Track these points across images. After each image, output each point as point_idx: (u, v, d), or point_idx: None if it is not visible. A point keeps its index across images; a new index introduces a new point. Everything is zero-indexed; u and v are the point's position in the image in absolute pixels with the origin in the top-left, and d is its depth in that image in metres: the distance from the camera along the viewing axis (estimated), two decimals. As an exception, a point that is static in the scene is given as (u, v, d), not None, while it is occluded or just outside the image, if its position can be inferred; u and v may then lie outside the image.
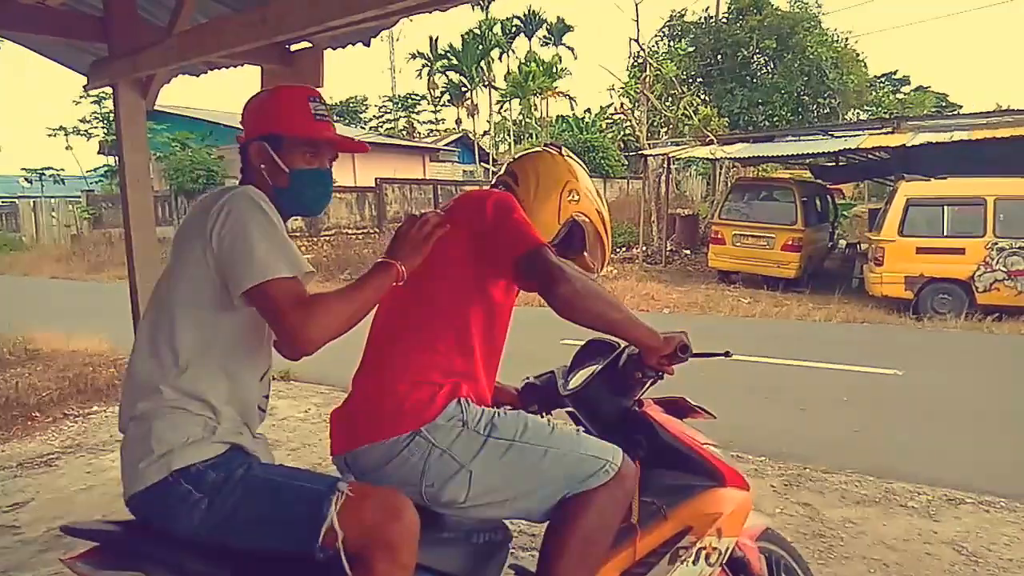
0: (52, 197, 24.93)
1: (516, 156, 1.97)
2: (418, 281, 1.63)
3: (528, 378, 2.14)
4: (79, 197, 24.28)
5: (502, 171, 1.93)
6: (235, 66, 4.39)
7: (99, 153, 24.81)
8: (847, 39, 23.57)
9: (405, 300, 1.67)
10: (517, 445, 1.60)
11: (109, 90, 4.09)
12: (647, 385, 1.90)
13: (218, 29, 3.04)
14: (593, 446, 1.70)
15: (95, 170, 26.94)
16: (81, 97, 24.09)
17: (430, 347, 1.62)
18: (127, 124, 3.87)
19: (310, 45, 4.11)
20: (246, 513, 1.44)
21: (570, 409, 1.99)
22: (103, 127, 24.37)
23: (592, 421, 1.93)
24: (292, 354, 1.45)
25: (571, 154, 1.94)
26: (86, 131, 25.51)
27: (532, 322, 4.12)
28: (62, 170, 26.06)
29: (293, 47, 4.14)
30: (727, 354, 1.88)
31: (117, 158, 4.06)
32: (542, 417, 2.03)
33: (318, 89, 1.73)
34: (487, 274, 1.67)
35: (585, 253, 1.88)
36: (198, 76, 4.91)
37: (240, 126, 1.70)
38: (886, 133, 12.86)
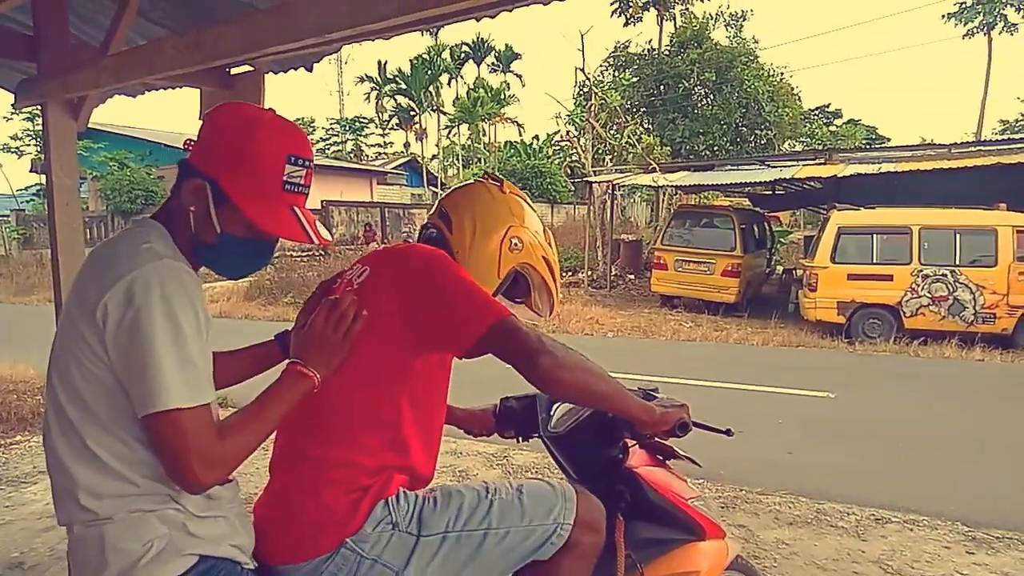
0: (-22, 216, 23.85)
1: (450, 190, 1.74)
2: (337, 373, 1.40)
3: (508, 399, 1.98)
4: (8, 216, 23.29)
5: (434, 210, 1.69)
6: (173, 88, 4.32)
7: (31, 171, 23.95)
8: (783, 74, 24.65)
9: (322, 392, 1.40)
10: (451, 536, 1.43)
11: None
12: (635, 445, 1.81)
13: (153, 51, 2.98)
14: (539, 508, 1.50)
15: (26, 188, 25.97)
16: (12, 114, 23.24)
17: (358, 449, 1.42)
18: (56, 145, 3.74)
19: (251, 69, 4.07)
20: None
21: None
22: (35, 145, 23.52)
23: (571, 463, 1.85)
24: (182, 487, 1.21)
25: (513, 187, 1.73)
26: (17, 148, 24.59)
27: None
28: (-10, 188, 25.00)
29: (233, 70, 4.10)
30: (728, 432, 1.73)
31: (45, 180, 3.92)
32: (518, 441, 1.97)
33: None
34: (424, 352, 1.44)
35: (534, 294, 1.70)
36: (134, 97, 4.81)
37: (185, 148, 1.36)
38: (819, 164, 13.39)
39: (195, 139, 1.34)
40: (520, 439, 1.95)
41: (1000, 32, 37.03)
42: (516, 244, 1.63)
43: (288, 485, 1.45)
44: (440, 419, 1.58)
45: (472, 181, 1.74)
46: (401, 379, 1.44)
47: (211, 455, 1.17)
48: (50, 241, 3.85)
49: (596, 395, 1.43)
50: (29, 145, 24.21)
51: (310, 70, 4.23)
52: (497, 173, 1.94)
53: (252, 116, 1.32)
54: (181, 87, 4.21)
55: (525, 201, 1.72)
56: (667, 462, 1.91)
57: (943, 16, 37.89)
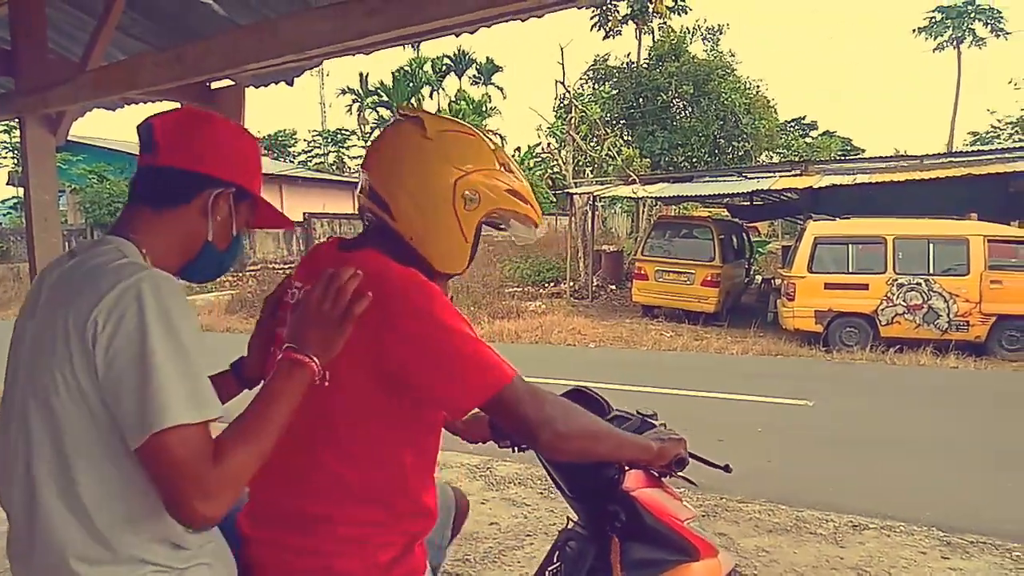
0: (-48, 230, 23.45)
1: (368, 152, 1.43)
2: (326, 430, 1.30)
3: None
4: (-18, 230, 22.96)
5: (362, 187, 1.42)
6: (153, 102, 4.32)
7: (8, 184, 23.61)
8: (759, 86, 25.01)
9: (314, 449, 1.31)
10: None
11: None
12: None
13: (133, 67, 2.99)
14: None
15: (3, 202, 25.60)
16: (-13, 126, 22.93)
17: (365, 503, 1.31)
18: (35, 160, 3.72)
19: (232, 83, 4.08)
20: None
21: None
22: (12, 158, 23.23)
23: (566, 481, 1.84)
24: (184, 524, 1.09)
25: (436, 120, 1.40)
26: (-8, 161, 24.29)
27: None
28: (-37, 202, 24.68)
29: (214, 84, 4.11)
30: (727, 468, 1.72)
31: (23, 194, 3.90)
32: (513, 451, 1.91)
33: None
34: (410, 399, 1.30)
35: (513, 226, 1.51)
36: (114, 111, 4.80)
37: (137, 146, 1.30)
38: (795, 175, 13.61)
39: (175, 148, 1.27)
40: (516, 449, 1.93)
41: (969, 46, 37.97)
42: (471, 197, 1.37)
43: (284, 541, 1.33)
44: (436, 448, 1.45)
45: (387, 131, 1.44)
46: (397, 427, 1.31)
47: (208, 483, 1.04)
48: (28, 255, 3.83)
49: (597, 456, 1.45)
50: (6, 158, 23.93)
51: (291, 84, 4.25)
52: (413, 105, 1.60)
53: (232, 123, 1.39)
54: (161, 101, 4.21)
55: (458, 131, 1.43)
56: (663, 480, 1.88)
57: (913, 30, 38.75)
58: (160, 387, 1.04)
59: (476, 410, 1.33)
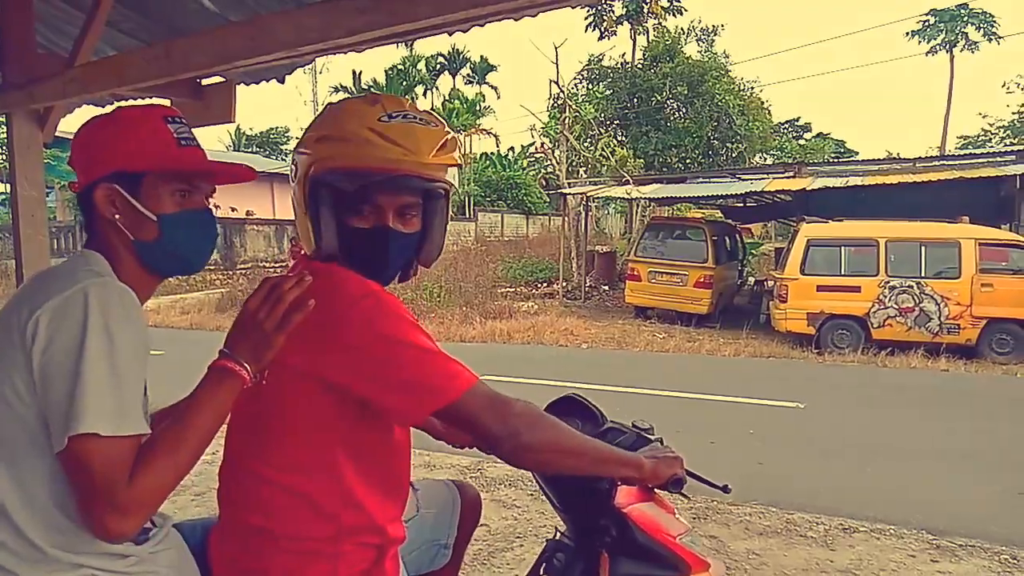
0: (-62, 226, 23.23)
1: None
2: (267, 445, 1.28)
3: None
4: (-31, 227, 22.72)
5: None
6: (142, 98, 4.28)
7: (-6, 180, 23.39)
8: (753, 88, 25.10)
9: (253, 464, 1.29)
10: None
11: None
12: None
13: (122, 63, 2.96)
14: None
15: (-11, 198, 25.34)
16: (-24, 121, 22.71)
17: (304, 516, 1.27)
18: (21, 156, 3.68)
19: (222, 79, 4.05)
20: None
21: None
22: (0, 153, 23.04)
23: (555, 492, 1.81)
24: (95, 535, 1.06)
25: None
26: (-20, 156, 24.04)
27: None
28: (-49, 197, 24.40)
29: (205, 81, 4.08)
30: (726, 488, 1.67)
31: (10, 191, 3.85)
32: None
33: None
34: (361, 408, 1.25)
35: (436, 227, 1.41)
36: (103, 107, 4.75)
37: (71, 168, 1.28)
38: (789, 177, 13.65)
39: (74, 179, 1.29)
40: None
41: (961, 50, 38.19)
42: (293, 168, 1.34)
43: (238, 559, 1.32)
44: (391, 460, 1.39)
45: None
46: (337, 434, 1.27)
47: (119, 498, 1.02)
48: (15, 252, 3.78)
49: (569, 470, 1.36)
50: (-7, 153, 23.72)
51: (282, 82, 4.22)
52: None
53: (107, 113, 1.31)
54: (151, 97, 4.17)
55: (324, 114, 1.37)
56: (656, 492, 1.83)
57: (906, 34, 38.95)
58: (85, 393, 1.03)
59: None
